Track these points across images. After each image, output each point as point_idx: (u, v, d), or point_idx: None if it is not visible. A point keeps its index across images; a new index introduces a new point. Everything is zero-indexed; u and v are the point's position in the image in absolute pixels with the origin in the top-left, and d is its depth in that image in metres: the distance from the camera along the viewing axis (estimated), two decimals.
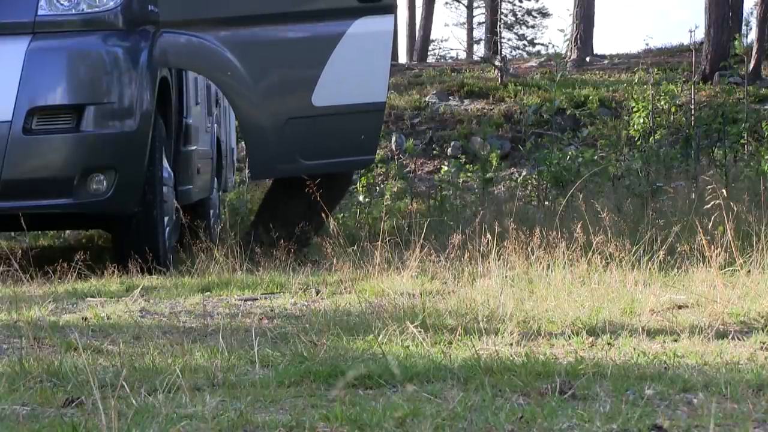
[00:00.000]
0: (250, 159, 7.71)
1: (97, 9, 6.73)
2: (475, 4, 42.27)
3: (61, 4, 6.67)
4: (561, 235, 5.72)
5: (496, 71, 20.15)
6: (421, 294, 5.15)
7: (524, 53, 40.66)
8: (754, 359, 3.84)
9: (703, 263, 5.37)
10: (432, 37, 40.13)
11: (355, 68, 7.39)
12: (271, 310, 5.27)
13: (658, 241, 5.77)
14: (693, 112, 12.77)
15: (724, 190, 5.97)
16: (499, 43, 25.99)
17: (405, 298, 5.09)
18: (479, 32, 40.92)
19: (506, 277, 5.36)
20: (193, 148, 8.54)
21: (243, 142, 8.28)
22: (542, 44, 43.87)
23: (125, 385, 3.06)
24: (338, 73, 7.34)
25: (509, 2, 41.26)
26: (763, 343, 4.12)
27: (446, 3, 45.23)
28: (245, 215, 11.72)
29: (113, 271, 6.55)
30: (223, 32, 7.19)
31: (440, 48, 46.51)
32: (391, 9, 7.50)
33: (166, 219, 7.18)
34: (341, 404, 3.08)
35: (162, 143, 7.16)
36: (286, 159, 7.50)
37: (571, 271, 5.34)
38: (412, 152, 13.89)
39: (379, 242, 6.22)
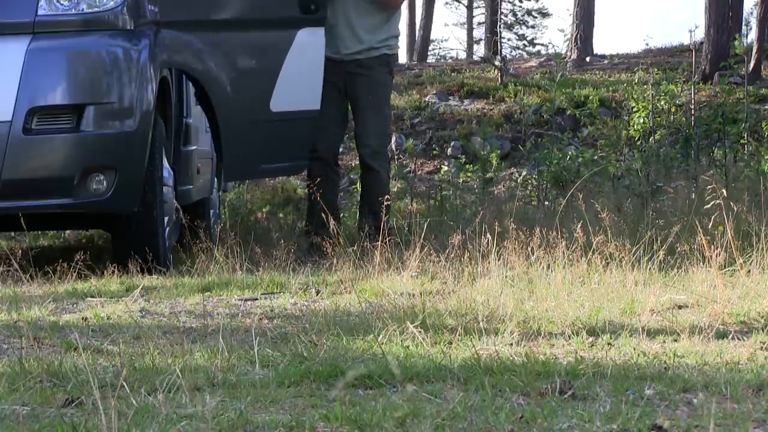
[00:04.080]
0: (223, 162, 7.83)
1: (97, 9, 6.73)
2: (475, 4, 42.30)
3: (61, 4, 6.67)
4: (561, 235, 5.71)
5: (496, 71, 20.14)
6: (421, 294, 5.14)
7: (524, 53, 40.67)
8: (754, 359, 3.84)
9: (703, 263, 5.37)
10: (432, 37, 40.20)
11: (298, 76, 7.64)
12: (271, 310, 5.27)
13: (658, 241, 5.76)
14: (693, 112, 12.76)
15: (724, 190, 5.98)
16: (499, 43, 25.92)
17: (405, 298, 5.09)
18: (479, 32, 40.92)
19: (506, 277, 5.35)
20: (193, 148, 8.54)
21: None
22: (542, 44, 43.93)
23: (125, 385, 3.06)
24: (288, 80, 7.61)
25: (509, 2, 41.26)
26: (763, 343, 4.11)
27: (446, 3, 45.29)
28: (245, 215, 11.72)
29: (113, 271, 6.55)
30: (212, 35, 7.31)
31: (440, 48, 46.59)
32: (322, 21, 7.75)
33: (166, 219, 7.17)
34: (341, 404, 3.08)
35: (162, 143, 7.16)
36: (252, 162, 7.82)
37: (571, 271, 5.33)
38: (412, 152, 13.88)
39: (380, 242, 6.21)
